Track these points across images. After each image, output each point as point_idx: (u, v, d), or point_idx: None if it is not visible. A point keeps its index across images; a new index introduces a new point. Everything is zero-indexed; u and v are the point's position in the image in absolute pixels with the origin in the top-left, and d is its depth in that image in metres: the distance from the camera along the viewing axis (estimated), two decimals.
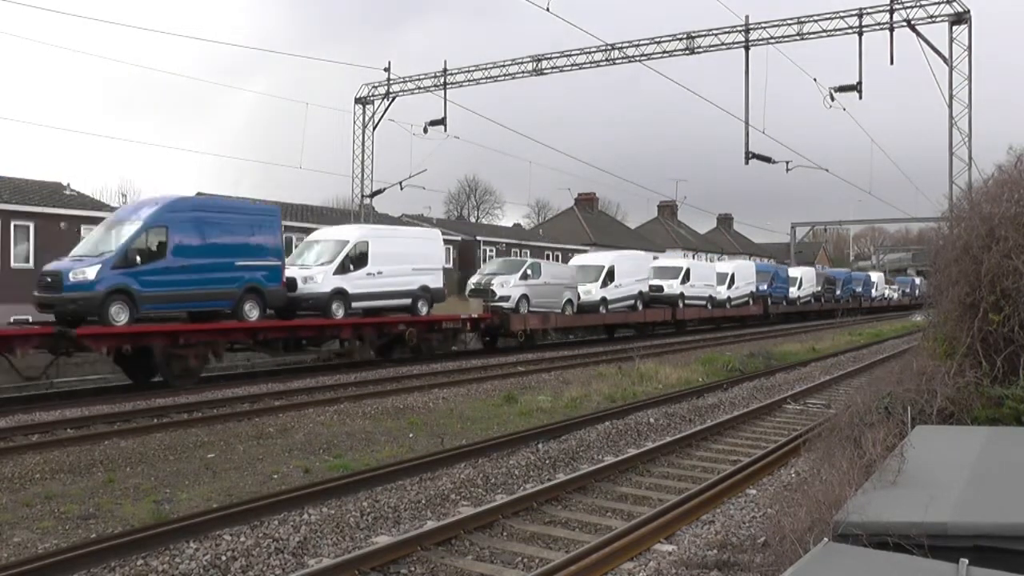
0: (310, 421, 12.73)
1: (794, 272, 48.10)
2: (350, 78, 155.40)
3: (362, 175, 33.86)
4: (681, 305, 34.27)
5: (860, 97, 25.61)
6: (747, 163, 27.06)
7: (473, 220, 72.55)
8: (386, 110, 33.42)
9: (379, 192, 34.45)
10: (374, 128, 33.62)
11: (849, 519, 4.19)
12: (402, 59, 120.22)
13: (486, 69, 31.01)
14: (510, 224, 71.80)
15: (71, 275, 15.24)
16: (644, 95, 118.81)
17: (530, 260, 27.92)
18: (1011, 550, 3.98)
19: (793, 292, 46.03)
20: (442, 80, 31.59)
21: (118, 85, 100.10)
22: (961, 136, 24.16)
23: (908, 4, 24.43)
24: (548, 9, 21.91)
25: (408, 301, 21.74)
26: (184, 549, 6.57)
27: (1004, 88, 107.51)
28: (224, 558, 6.43)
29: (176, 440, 11.19)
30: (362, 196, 34.24)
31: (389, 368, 20.10)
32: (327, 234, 22.15)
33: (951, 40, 24.08)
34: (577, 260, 33.47)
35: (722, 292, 37.77)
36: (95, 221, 28.44)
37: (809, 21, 25.95)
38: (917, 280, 66.47)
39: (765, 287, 42.07)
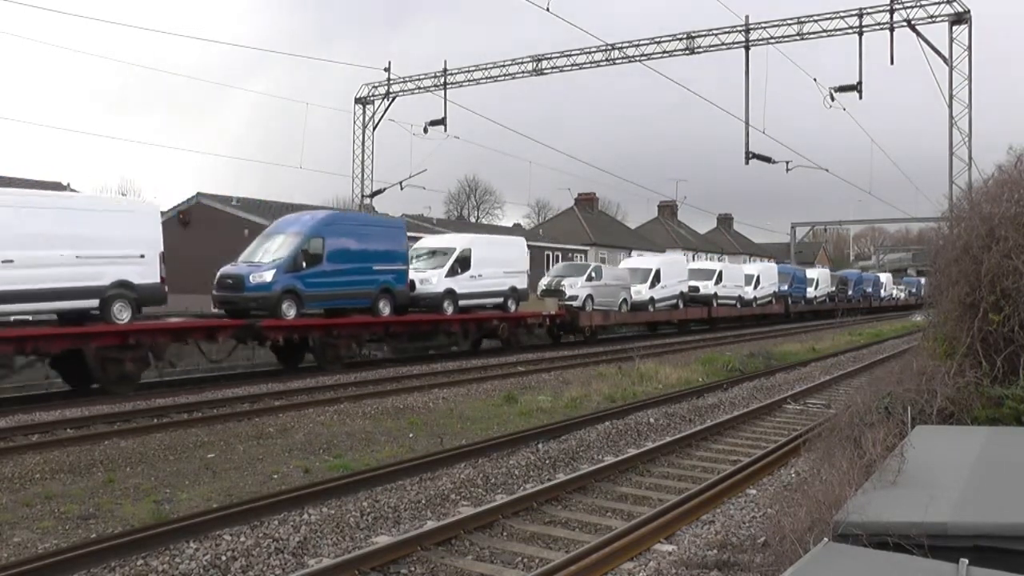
0: (310, 421, 12.72)
1: (811, 273, 51.02)
2: (350, 78, 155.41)
3: (362, 175, 33.89)
4: (715, 304, 37.08)
5: (860, 97, 25.69)
6: (747, 163, 27.12)
7: (473, 220, 72.57)
8: (386, 110, 33.49)
9: (379, 192, 34.53)
10: (374, 128, 33.68)
11: (849, 519, 4.19)
12: (402, 59, 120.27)
13: (486, 69, 31.06)
14: (510, 224, 71.90)
15: (251, 278, 18.20)
16: (644, 95, 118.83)
17: (593, 264, 31.31)
18: (1011, 550, 3.98)
19: (811, 292, 48.75)
20: (442, 80, 31.63)
21: (118, 85, 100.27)
22: (961, 136, 24.19)
23: (908, 4, 24.46)
24: (548, 9, 21.96)
25: (501, 300, 24.85)
26: (184, 549, 6.57)
27: (1004, 88, 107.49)
28: (224, 558, 6.43)
29: (176, 440, 11.18)
30: (362, 196, 34.27)
31: (389, 368, 20.12)
32: (436, 241, 25.53)
33: (951, 40, 24.11)
34: (627, 263, 36.39)
35: (749, 292, 40.32)
36: None
37: (809, 21, 25.98)
38: (922, 280, 67.19)
39: (786, 287, 44.66)
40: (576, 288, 27.66)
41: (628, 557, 6.58)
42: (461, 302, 23.28)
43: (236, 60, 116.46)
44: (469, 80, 31.53)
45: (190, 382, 17.57)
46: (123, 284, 15.68)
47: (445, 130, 31.65)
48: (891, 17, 24.60)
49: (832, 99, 25.77)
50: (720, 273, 37.97)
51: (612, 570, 6.34)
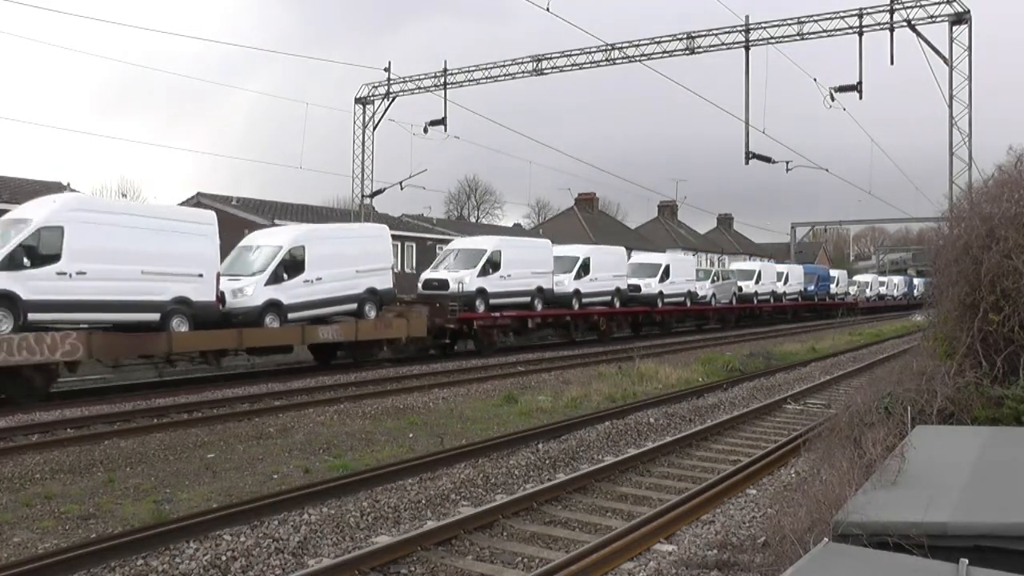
0: (310, 421, 12.73)
1: (916, 281, 70.48)
2: (350, 78, 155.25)
3: (362, 175, 33.85)
4: (885, 299, 62.65)
5: (860, 97, 25.54)
6: (747, 163, 27.01)
7: (473, 220, 72.53)
8: (386, 110, 33.38)
9: (379, 192, 34.45)
10: (374, 128, 33.59)
11: (849, 519, 4.19)
12: (402, 59, 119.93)
13: (486, 69, 30.98)
14: (510, 224, 71.80)
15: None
16: (644, 95, 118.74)
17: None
18: (1011, 550, 3.98)
19: (916, 292, 67.39)
20: (442, 80, 31.55)
21: (118, 85, 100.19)
22: (961, 136, 24.12)
23: (908, 4, 24.40)
24: (548, 9, 21.91)
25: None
26: (184, 549, 6.57)
27: (1004, 88, 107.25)
28: (224, 558, 6.43)
29: (176, 440, 11.19)
30: (362, 196, 34.25)
31: (389, 368, 20.14)
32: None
33: (951, 40, 24.04)
34: (859, 279, 55.60)
35: (894, 291, 63.98)
36: None
37: (809, 21, 25.91)
38: None
39: (907, 289, 67.78)
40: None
41: (628, 557, 6.58)
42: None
43: (236, 60, 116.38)
44: (469, 80, 31.47)
45: (190, 382, 17.57)
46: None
47: (445, 130, 31.58)
48: (891, 17, 24.53)
49: (832, 99, 25.68)
50: (886, 282, 64.92)
51: (612, 570, 6.34)
